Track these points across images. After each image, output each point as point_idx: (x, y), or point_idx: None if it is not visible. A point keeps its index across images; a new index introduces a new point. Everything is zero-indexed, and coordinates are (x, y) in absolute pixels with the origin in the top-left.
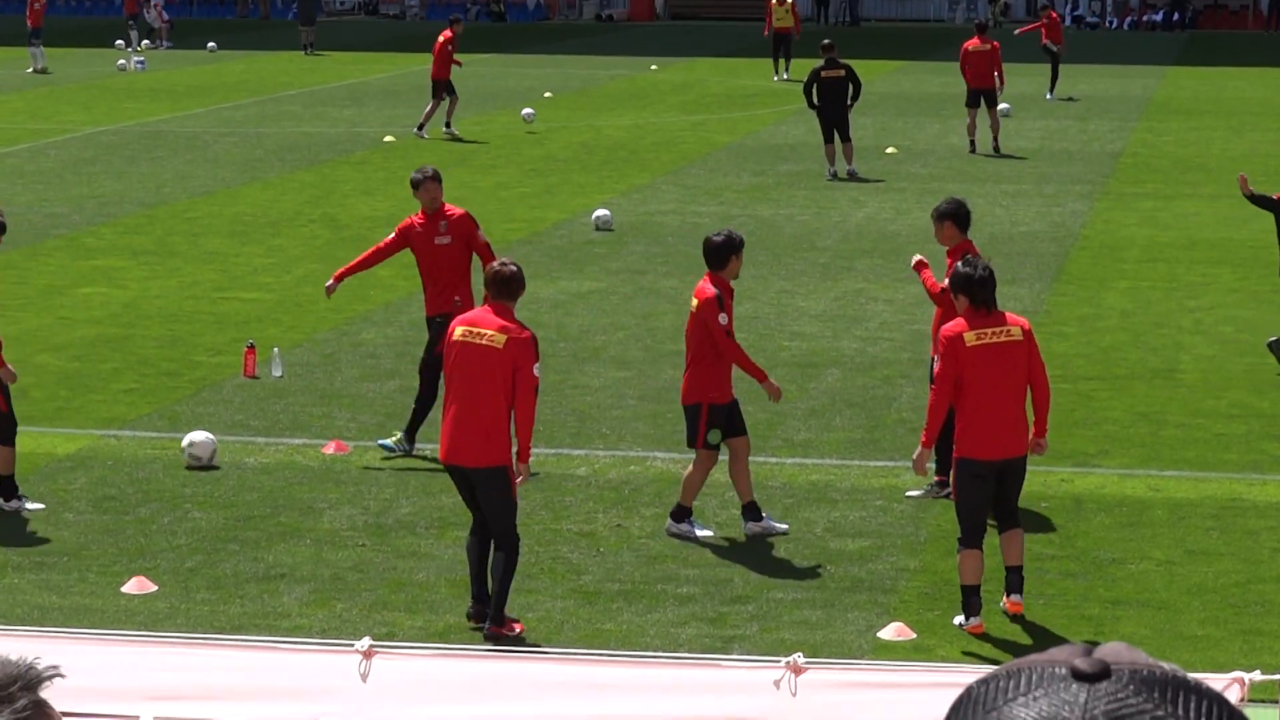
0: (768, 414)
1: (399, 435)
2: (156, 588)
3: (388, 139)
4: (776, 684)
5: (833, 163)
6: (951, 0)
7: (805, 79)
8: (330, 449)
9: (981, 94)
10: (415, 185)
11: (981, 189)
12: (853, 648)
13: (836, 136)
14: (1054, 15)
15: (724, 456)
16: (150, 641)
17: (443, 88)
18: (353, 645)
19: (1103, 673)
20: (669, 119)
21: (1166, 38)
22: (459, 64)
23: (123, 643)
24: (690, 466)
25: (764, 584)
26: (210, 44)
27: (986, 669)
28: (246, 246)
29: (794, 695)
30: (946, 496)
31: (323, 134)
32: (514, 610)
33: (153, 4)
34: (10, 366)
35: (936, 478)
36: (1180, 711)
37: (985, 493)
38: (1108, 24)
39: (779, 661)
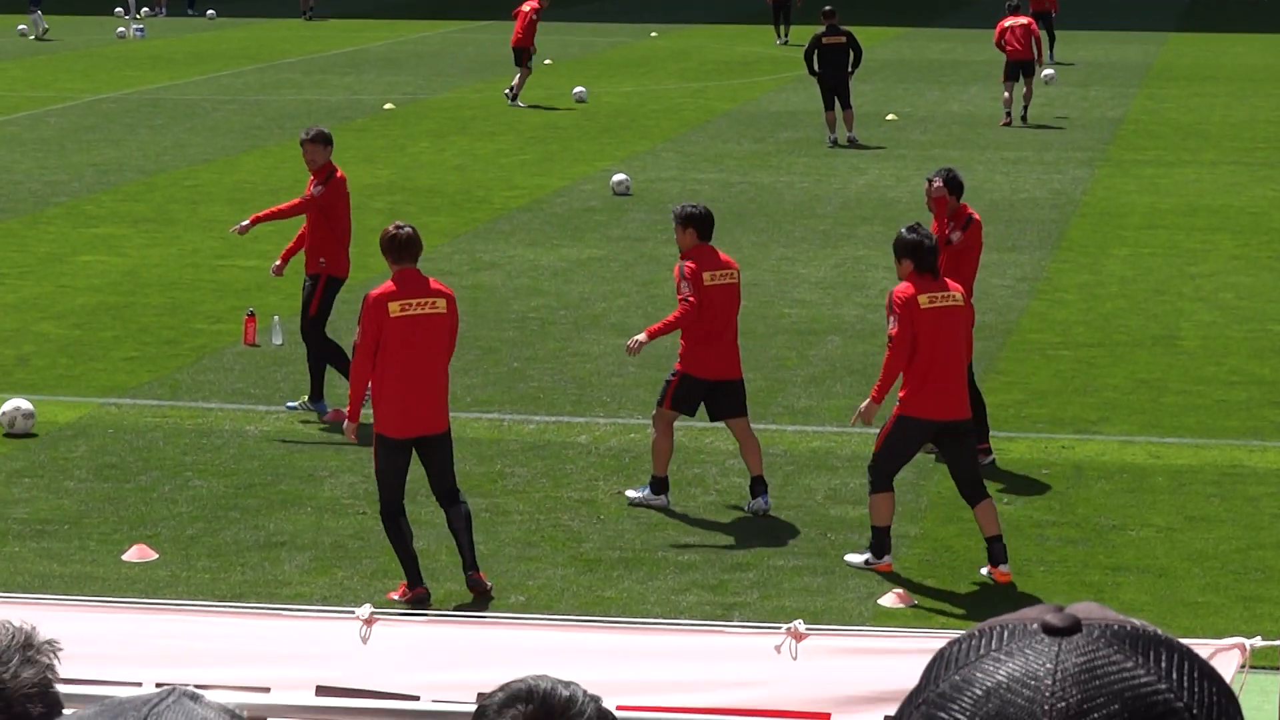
0: (769, 381)
1: (304, 399)
2: (157, 555)
3: (387, 106)
4: (777, 649)
5: (833, 130)
6: None
7: (806, 45)
8: (330, 417)
9: (1020, 67)
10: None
11: (982, 156)
12: (853, 614)
13: (837, 103)
14: None
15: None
16: (151, 609)
17: (525, 56)
18: (353, 612)
19: (1074, 627)
20: (669, 86)
21: (1167, 4)
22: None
23: (123, 610)
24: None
25: (764, 551)
26: (210, 11)
27: None
28: (246, 214)
29: (795, 661)
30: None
31: (322, 101)
32: (515, 577)
33: None
34: None
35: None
36: (1152, 664)
37: (914, 451)
38: None
39: (780, 628)
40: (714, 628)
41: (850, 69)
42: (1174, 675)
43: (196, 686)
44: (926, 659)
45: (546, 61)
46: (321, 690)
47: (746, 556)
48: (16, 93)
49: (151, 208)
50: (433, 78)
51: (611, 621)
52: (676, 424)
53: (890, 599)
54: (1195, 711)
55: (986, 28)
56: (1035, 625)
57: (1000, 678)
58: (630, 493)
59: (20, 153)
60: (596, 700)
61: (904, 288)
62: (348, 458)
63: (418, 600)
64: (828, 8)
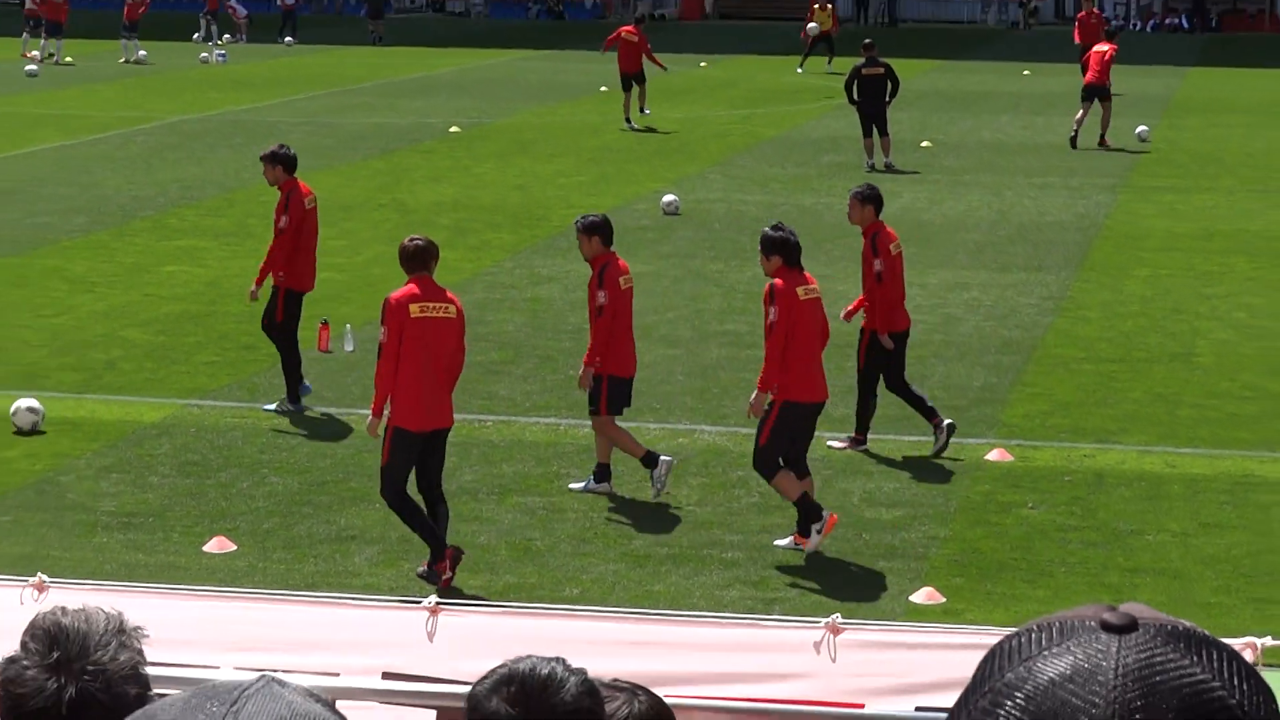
0: None
1: (282, 400)
2: (236, 547)
3: (453, 129)
4: (816, 645)
5: (871, 155)
6: (984, 3)
7: (846, 76)
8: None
9: (1095, 91)
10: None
11: (1011, 181)
12: (886, 610)
13: (875, 131)
14: (1087, 13)
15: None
16: (229, 597)
17: (634, 79)
18: (420, 602)
19: (1131, 625)
20: (717, 112)
21: (1188, 39)
22: (663, 67)
23: (204, 598)
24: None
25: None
26: (288, 38)
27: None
28: (320, 229)
29: (832, 655)
30: (864, 451)
31: (392, 124)
32: (570, 571)
33: (231, 2)
34: None
35: (856, 435)
36: (1205, 662)
37: (793, 433)
38: (1131, 26)
39: (818, 622)
40: (756, 621)
41: (888, 98)
42: (1225, 674)
43: (269, 670)
44: (955, 653)
45: (602, 89)
46: (387, 675)
47: (786, 554)
48: (108, 113)
49: (231, 222)
50: (496, 102)
51: (660, 614)
52: (722, 429)
53: (921, 596)
54: (1246, 708)
55: (1016, 61)
56: (1093, 623)
57: (1061, 671)
58: (573, 485)
59: (110, 169)
60: (579, 674)
61: (782, 281)
62: None
63: (454, 558)
64: (867, 41)
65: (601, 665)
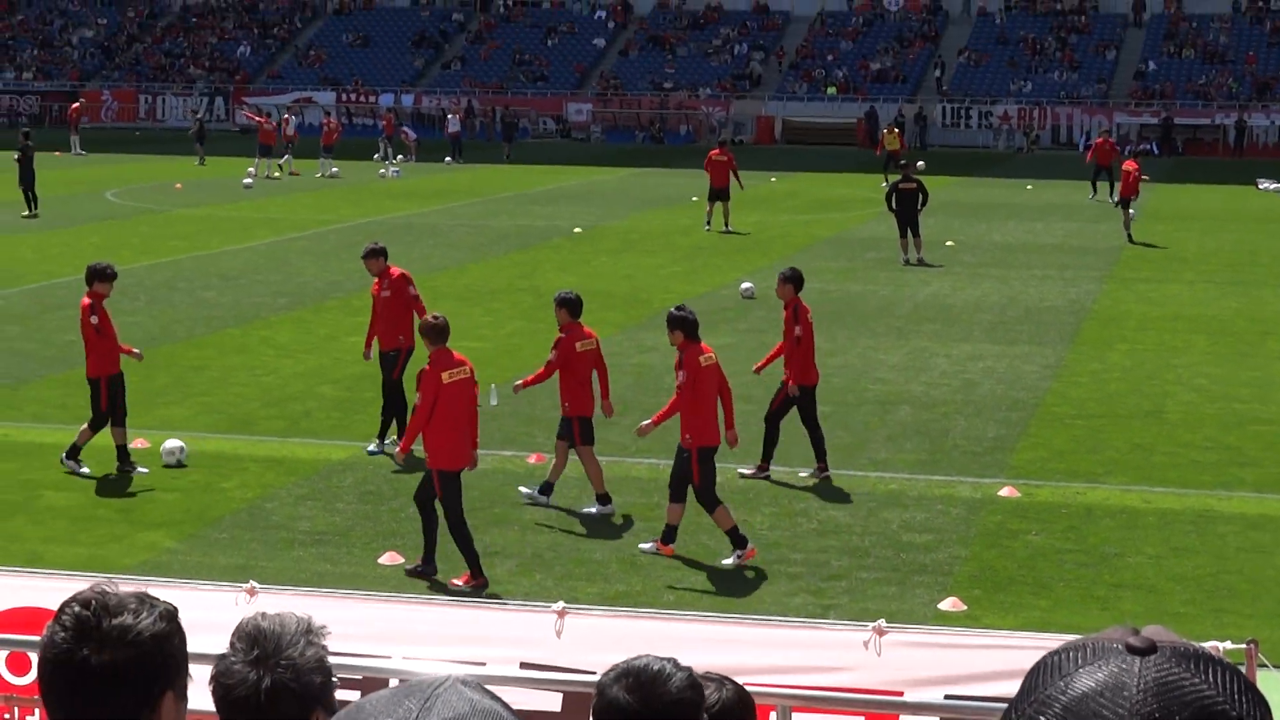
0: (856, 439)
1: (376, 441)
2: (404, 560)
3: (576, 230)
4: (865, 644)
5: (905, 252)
6: (995, 131)
7: (886, 190)
8: (533, 459)
9: (1126, 202)
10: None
11: (1017, 274)
12: (920, 615)
13: (909, 232)
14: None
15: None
16: (399, 601)
17: (719, 194)
18: (549, 607)
19: (1151, 648)
20: (784, 218)
21: (1158, 162)
22: (741, 185)
23: (379, 601)
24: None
25: (853, 565)
26: (447, 158)
27: (1026, 635)
28: (471, 308)
29: (878, 651)
30: (766, 478)
31: (528, 226)
32: (667, 580)
33: (404, 128)
34: (137, 350)
35: (761, 464)
36: (1213, 680)
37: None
38: None
39: (866, 625)
40: (815, 624)
41: (920, 207)
42: (1228, 689)
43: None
44: (976, 652)
45: (693, 198)
46: (525, 665)
47: (840, 569)
48: (307, 216)
49: None
50: (611, 209)
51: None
52: (786, 469)
53: (947, 604)
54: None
55: (1020, 178)
56: (1120, 645)
57: (1092, 686)
58: (524, 489)
59: (308, 260)
60: (686, 670)
61: (694, 351)
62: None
63: (478, 588)
64: (903, 161)
65: (692, 658)
